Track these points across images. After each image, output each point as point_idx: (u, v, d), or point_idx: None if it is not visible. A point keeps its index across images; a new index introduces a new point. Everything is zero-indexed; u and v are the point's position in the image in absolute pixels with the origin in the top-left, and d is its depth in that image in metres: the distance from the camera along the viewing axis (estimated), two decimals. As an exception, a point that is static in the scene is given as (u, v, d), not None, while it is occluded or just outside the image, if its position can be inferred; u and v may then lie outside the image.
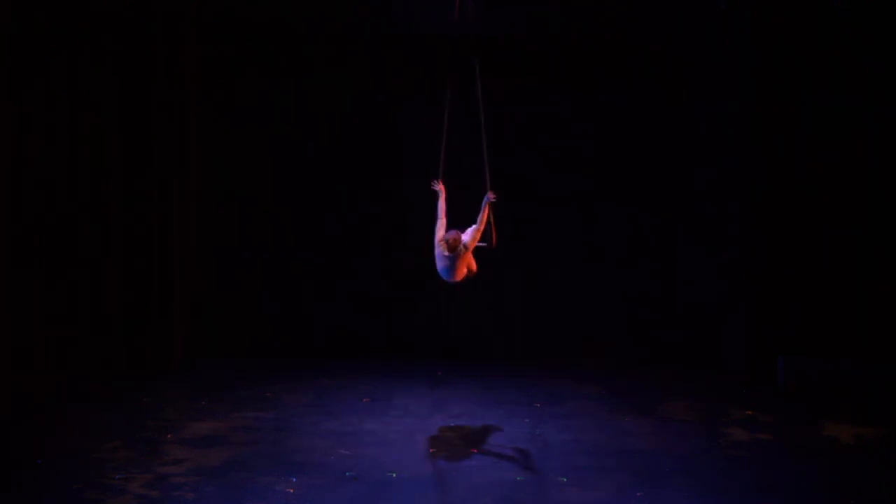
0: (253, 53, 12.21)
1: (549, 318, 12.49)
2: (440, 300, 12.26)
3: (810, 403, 10.23)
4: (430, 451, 8.50)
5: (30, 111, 10.67)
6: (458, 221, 9.19)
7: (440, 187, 9.19)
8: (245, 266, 12.40)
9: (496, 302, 12.46)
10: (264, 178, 12.33)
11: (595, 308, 12.43)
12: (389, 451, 8.44)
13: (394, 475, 7.78)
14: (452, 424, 9.34)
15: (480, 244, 9.07)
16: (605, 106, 12.35)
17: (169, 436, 8.78)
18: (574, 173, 12.40)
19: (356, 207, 12.43)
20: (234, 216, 12.34)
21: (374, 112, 12.36)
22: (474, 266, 9.15)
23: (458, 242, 8.84)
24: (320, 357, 12.13)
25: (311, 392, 10.55)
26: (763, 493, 7.48)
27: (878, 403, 10.17)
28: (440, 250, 8.95)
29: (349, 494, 7.34)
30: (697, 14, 11.69)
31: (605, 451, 8.51)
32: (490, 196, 8.98)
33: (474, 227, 8.99)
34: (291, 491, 7.38)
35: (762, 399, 10.43)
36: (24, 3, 10.54)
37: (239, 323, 12.35)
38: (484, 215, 8.98)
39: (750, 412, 9.89)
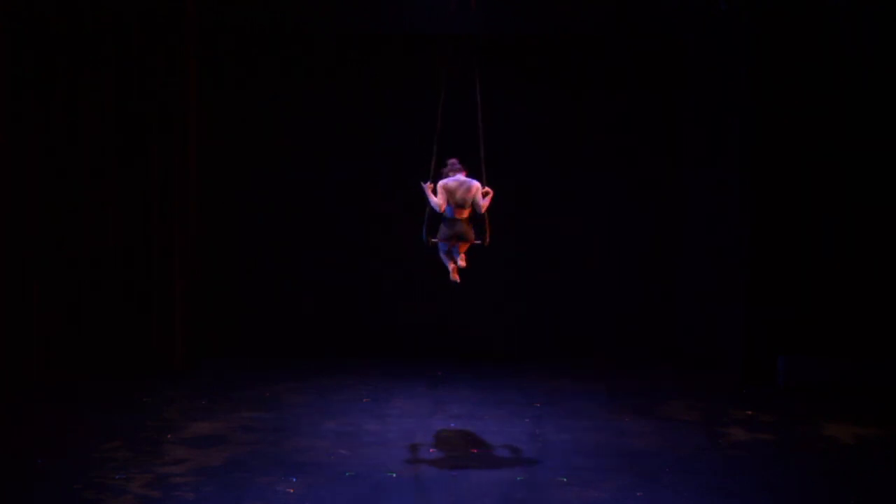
0: (253, 53, 12.22)
1: (550, 318, 12.49)
2: (440, 300, 12.28)
3: (810, 403, 10.24)
4: (430, 451, 8.50)
5: (29, 111, 10.68)
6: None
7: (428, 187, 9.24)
8: (245, 266, 12.40)
9: (496, 302, 12.46)
10: (265, 178, 12.34)
11: (595, 307, 12.43)
12: (389, 451, 8.44)
13: (394, 475, 7.78)
14: (452, 424, 9.33)
15: (475, 242, 9.16)
16: (605, 105, 12.35)
17: (169, 436, 8.78)
18: (574, 174, 12.41)
19: (357, 206, 12.43)
20: (235, 216, 12.35)
21: (375, 111, 12.37)
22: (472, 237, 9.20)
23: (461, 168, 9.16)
24: (320, 357, 12.14)
25: (311, 392, 10.55)
26: (763, 493, 7.48)
27: (878, 403, 10.18)
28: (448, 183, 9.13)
29: (349, 494, 7.33)
30: (697, 14, 11.69)
31: (605, 451, 8.50)
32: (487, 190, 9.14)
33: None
34: (291, 491, 7.38)
35: (762, 399, 10.43)
36: (25, 3, 10.55)
37: (239, 323, 12.36)
38: (484, 203, 9.10)
39: (750, 412, 9.89)
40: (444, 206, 9.12)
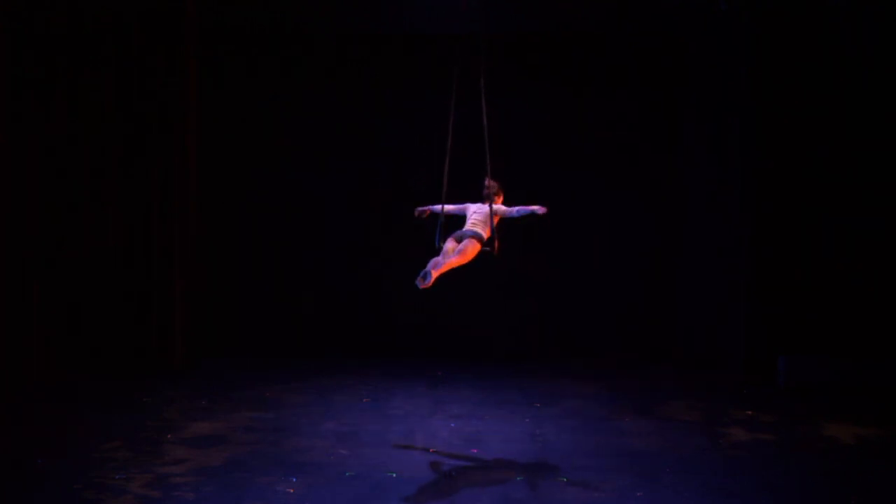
0: (253, 53, 12.23)
1: (550, 318, 12.49)
2: (440, 300, 12.27)
3: (810, 403, 10.24)
4: (430, 451, 8.50)
5: (29, 111, 10.68)
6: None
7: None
8: (245, 266, 12.41)
9: (496, 302, 12.46)
10: (264, 178, 12.35)
11: (595, 307, 12.43)
12: (389, 451, 8.43)
13: (394, 475, 7.77)
14: (452, 424, 9.33)
15: (484, 248, 8.78)
16: (606, 105, 12.36)
17: (169, 436, 8.77)
18: (574, 173, 12.41)
19: (357, 206, 12.44)
20: (235, 216, 12.35)
21: (375, 111, 12.37)
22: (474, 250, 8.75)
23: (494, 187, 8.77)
24: (320, 357, 12.14)
25: (311, 392, 10.55)
26: (763, 493, 7.48)
27: (878, 403, 10.18)
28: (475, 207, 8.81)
29: (349, 494, 7.33)
30: (698, 12, 11.69)
31: (605, 451, 8.50)
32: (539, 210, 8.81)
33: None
34: (291, 491, 7.37)
35: (762, 399, 10.43)
36: (25, 3, 10.55)
37: (239, 323, 12.36)
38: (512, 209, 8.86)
39: (750, 412, 9.88)
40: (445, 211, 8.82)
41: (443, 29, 11.63)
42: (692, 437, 9.03)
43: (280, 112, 12.29)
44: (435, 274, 8.35)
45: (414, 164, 12.30)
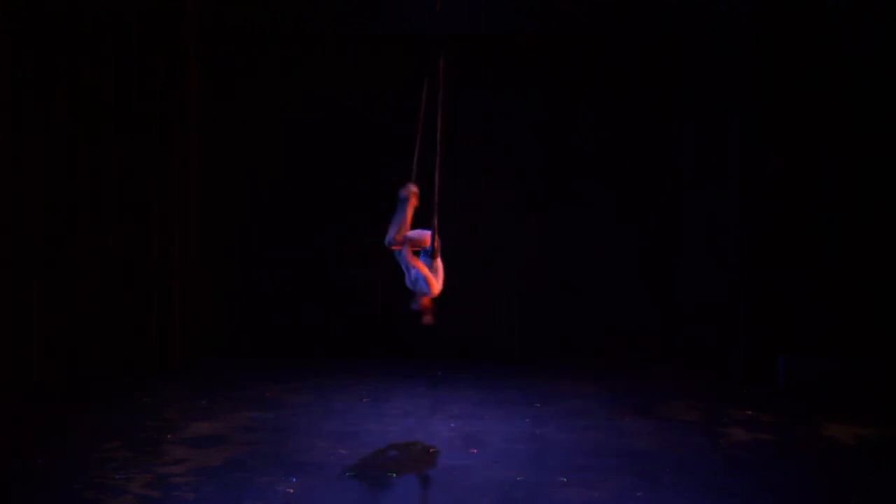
0: (253, 53, 12.22)
1: (549, 318, 12.49)
2: (440, 300, 12.25)
3: (810, 403, 10.24)
4: (430, 450, 8.50)
5: (29, 111, 10.68)
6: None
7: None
8: (245, 266, 12.40)
9: (496, 302, 12.46)
10: (264, 178, 12.34)
11: (595, 307, 12.43)
12: (389, 451, 8.44)
13: (394, 475, 7.78)
14: (452, 424, 9.33)
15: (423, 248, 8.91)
16: (605, 105, 12.36)
17: (169, 436, 8.78)
18: (574, 172, 12.40)
19: (356, 206, 12.43)
20: (234, 216, 12.35)
21: (373, 113, 12.36)
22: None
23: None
24: (320, 357, 12.13)
25: (311, 392, 10.55)
26: (763, 493, 7.48)
27: (878, 403, 10.18)
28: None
29: (349, 494, 7.33)
30: (698, 12, 11.69)
31: (605, 451, 8.50)
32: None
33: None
34: (291, 491, 7.38)
35: (762, 399, 10.43)
36: (25, 3, 10.55)
37: (239, 323, 12.35)
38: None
39: (750, 412, 9.89)
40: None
41: (444, 29, 11.61)
42: (692, 437, 9.03)
43: (280, 112, 12.29)
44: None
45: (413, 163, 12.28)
